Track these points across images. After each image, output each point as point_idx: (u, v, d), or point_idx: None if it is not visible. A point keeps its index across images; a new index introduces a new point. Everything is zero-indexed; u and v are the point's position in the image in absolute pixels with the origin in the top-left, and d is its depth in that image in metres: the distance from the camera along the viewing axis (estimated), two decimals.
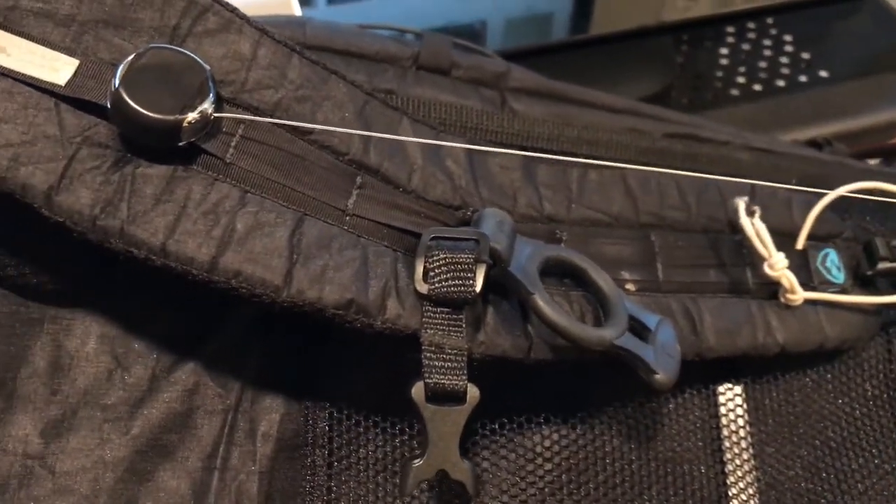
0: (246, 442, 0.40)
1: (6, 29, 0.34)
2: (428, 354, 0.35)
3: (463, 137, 0.44)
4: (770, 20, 0.78)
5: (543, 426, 0.42)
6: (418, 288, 0.36)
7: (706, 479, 0.44)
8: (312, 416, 0.40)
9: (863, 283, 0.49)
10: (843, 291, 0.48)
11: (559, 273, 0.41)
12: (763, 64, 0.74)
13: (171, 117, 0.33)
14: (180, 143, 0.34)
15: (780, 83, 0.73)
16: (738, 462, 0.45)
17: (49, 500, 0.37)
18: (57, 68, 0.34)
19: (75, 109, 0.34)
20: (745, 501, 0.44)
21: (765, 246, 0.45)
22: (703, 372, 0.45)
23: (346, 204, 0.38)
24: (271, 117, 0.37)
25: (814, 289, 0.47)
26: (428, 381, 0.35)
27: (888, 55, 0.76)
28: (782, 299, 0.46)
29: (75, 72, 0.34)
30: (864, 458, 0.47)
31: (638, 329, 0.39)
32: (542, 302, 0.37)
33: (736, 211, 0.46)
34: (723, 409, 0.46)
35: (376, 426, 0.41)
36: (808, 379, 0.48)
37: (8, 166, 0.32)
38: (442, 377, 0.35)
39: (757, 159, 0.52)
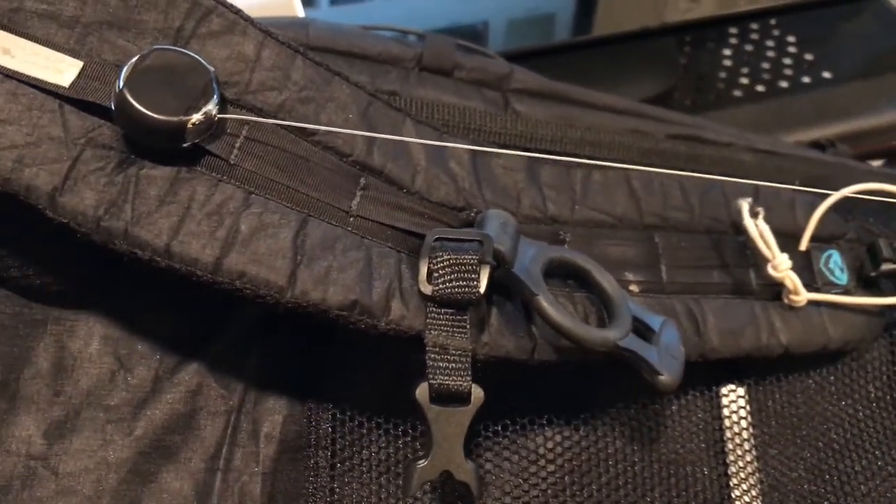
0: (249, 443, 0.40)
1: (10, 30, 0.34)
2: (432, 355, 0.35)
3: (466, 139, 0.44)
4: (773, 21, 0.78)
5: (547, 428, 0.42)
6: (422, 289, 0.36)
7: (709, 480, 0.44)
8: (315, 418, 0.40)
9: (866, 284, 0.49)
10: (847, 293, 0.48)
11: (563, 274, 0.41)
12: (766, 65, 0.74)
13: (175, 119, 0.33)
14: (184, 145, 0.34)
15: (784, 84, 0.73)
16: (741, 464, 0.45)
17: (52, 501, 0.37)
18: (61, 70, 0.34)
19: (79, 111, 0.34)
20: (748, 503, 0.44)
21: (768, 247, 0.45)
22: (706, 373, 0.45)
23: (350, 205, 0.38)
24: (275, 119, 0.37)
25: (817, 290, 0.46)
26: (432, 381, 0.35)
27: (891, 56, 0.76)
28: (786, 300, 0.46)
29: (79, 73, 0.34)
30: (867, 459, 0.47)
31: (642, 330, 0.39)
32: (545, 303, 0.37)
33: (739, 212, 0.46)
34: (726, 411, 0.46)
35: (379, 427, 0.41)
36: (811, 380, 0.48)
37: (12, 168, 0.32)
38: (446, 378, 0.35)
39: (760, 160, 0.52)
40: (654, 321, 0.40)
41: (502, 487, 0.41)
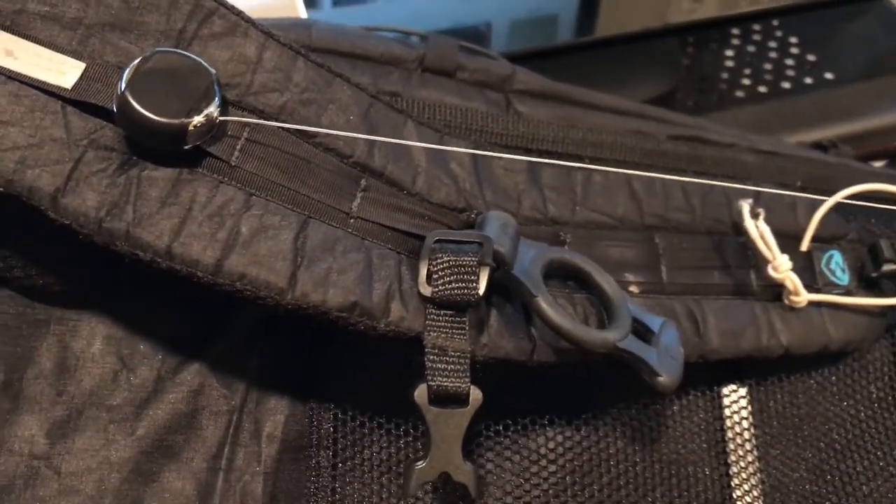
0: (251, 443, 0.40)
1: (14, 32, 0.34)
2: (431, 357, 0.35)
3: (468, 139, 0.44)
4: (775, 22, 0.78)
5: (548, 428, 0.42)
6: (422, 290, 0.36)
7: (710, 480, 0.44)
8: (317, 418, 0.40)
9: (867, 284, 0.49)
10: (848, 293, 0.48)
11: (563, 275, 0.41)
12: (768, 66, 0.74)
13: (176, 121, 0.33)
14: (186, 147, 0.34)
15: (786, 85, 0.73)
16: (742, 464, 0.45)
17: (54, 501, 0.37)
18: (63, 71, 0.34)
19: (81, 112, 0.34)
20: (750, 503, 0.44)
21: (769, 248, 0.45)
22: (707, 374, 0.45)
23: (351, 206, 0.38)
24: (276, 120, 0.37)
25: (818, 291, 0.46)
26: (431, 383, 0.35)
27: (894, 57, 0.76)
28: (786, 301, 0.46)
29: (82, 75, 0.34)
30: (868, 460, 0.47)
31: (641, 331, 0.39)
32: (545, 304, 0.37)
33: (740, 213, 0.46)
34: (727, 412, 0.46)
35: (381, 427, 0.41)
36: (812, 381, 0.48)
37: (15, 169, 0.32)
38: (445, 379, 0.35)
39: (762, 161, 0.52)
40: (654, 322, 0.40)
41: (503, 487, 0.41)
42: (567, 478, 0.42)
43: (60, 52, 0.34)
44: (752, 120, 0.68)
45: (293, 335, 0.40)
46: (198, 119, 0.34)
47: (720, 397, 0.46)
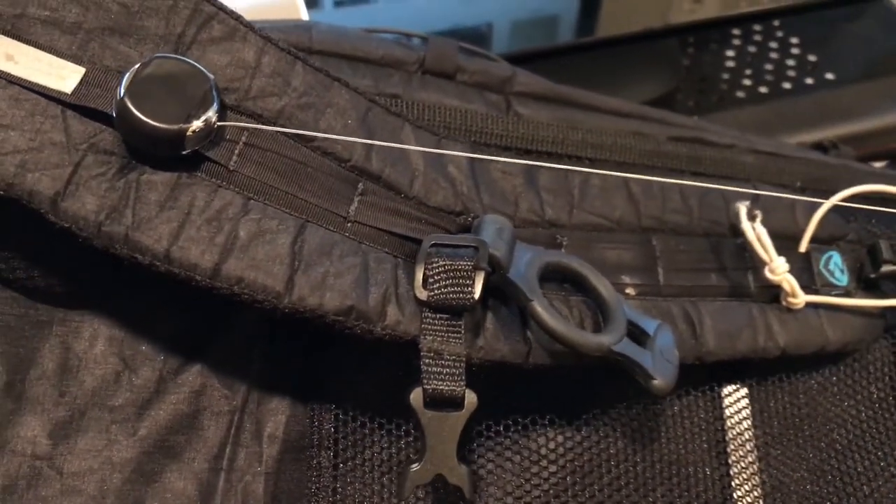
0: (252, 443, 0.40)
1: (14, 37, 0.34)
2: (426, 360, 0.35)
3: (467, 141, 0.44)
4: (776, 23, 0.78)
5: (548, 428, 0.42)
6: (418, 294, 0.36)
7: (711, 481, 0.44)
8: (318, 418, 0.41)
9: (866, 285, 0.49)
10: (847, 294, 0.48)
11: (559, 278, 0.41)
12: (769, 66, 0.74)
13: (175, 126, 0.34)
14: (184, 152, 0.34)
15: (787, 85, 0.73)
16: (743, 464, 0.45)
17: (57, 501, 0.37)
18: (63, 76, 0.34)
19: (81, 116, 0.34)
20: None
21: (765, 250, 0.45)
22: (707, 374, 0.45)
23: (348, 210, 0.38)
24: (275, 125, 0.37)
25: (816, 292, 0.46)
26: (426, 386, 0.35)
27: (894, 58, 0.76)
28: (784, 303, 0.46)
29: (81, 80, 0.34)
30: (869, 460, 0.47)
31: (637, 334, 0.40)
32: (540, 308, 0.37)
33: (737, 215, 0.46)
34: (728, 412, 0.46)
35: (382, 428, 0.41)
36: (813, 381, 0.48)
37: (15, 173, 0.32)
38: (440, 383, 0.35)
39: (762, 162, 0.52)
40: (650, 325, 0.40)
41: (504, 488, 0.41)
42: (568, 478, 0.42)
43: (60, 57, 0.34)
44: (753, 120, 0.68)
45: (295, 335, 0.40)
46: (196, 124, 0.34)
47: (721, 397, 0.46)
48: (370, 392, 0.41)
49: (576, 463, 0.42)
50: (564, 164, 0.45)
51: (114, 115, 0.34)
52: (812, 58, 0.75)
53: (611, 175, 0.45)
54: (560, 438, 0.42)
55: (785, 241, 0.47)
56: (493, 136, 0.46)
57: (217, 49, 0.37)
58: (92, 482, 0.38)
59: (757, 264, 0.46)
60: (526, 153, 0.46)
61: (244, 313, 0.40)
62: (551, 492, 0.41)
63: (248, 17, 0.38)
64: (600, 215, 0.44)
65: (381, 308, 0.36)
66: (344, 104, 0.39)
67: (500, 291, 0.38)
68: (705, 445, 0.45)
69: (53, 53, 0.34)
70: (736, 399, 0.46)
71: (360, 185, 0.38)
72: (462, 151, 0.42)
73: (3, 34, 0.34)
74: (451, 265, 0.36)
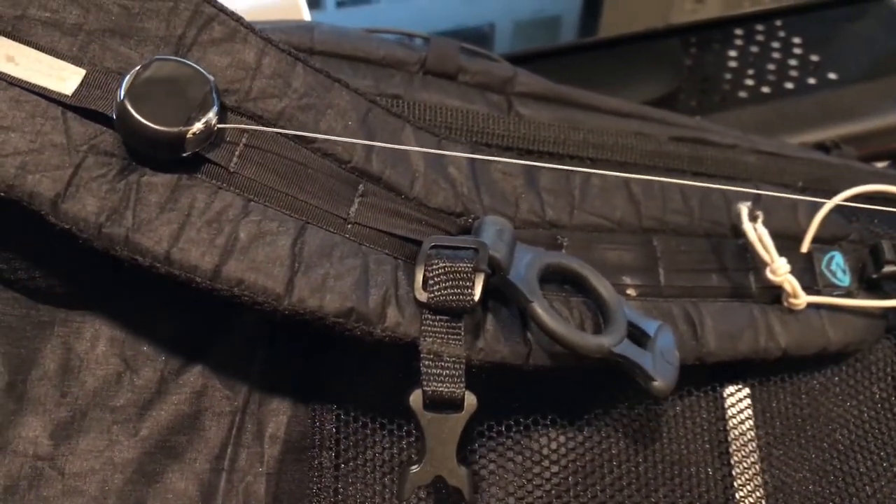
0: (253, 443, 0.40)
1: (15, 38, 0.34)
2: (426, 362, 0.36)
3: (468, 142, 0.44)
4: (778, 22, 0.78)
5: (550, 428, 0.42)
6: (418, 296, 0.36)
7: (713, 481, 0.44)
8: (320, 418, 0.41)
9: (868, 286, 0.49)
10: (849, 294, 0.48)
11: (559, 279, 0.41)
12: (771, 66, 0.74)
13: (175, 129, 0.34)
14: (184, 154, 0.34)
15: (789, 86, 0.72)
16: (745, 465, 0.45)
17: (58, 502, 0.37)
18: (64, 77, 0.34)
19: (82, 118, 0.34)
20: None
21: (767, 251, 0.45)
22: (709, 374, 0.45)
23: (348, 212, 0.38)
24: (275, 126, 0.37)
25: (818, 292, 0.46)
26: (426, 388, 0.36)
27: None
28: (785, 304, 0.46)
29: (82, 81, 0.34)
30: (871, 461, 0.47)
31: (637, 335, 0.39)
32: (540, 310, 0.37)
33: (739, 215, 0.46)
34: (730, 412, 0.46)
35: (383, 428, 0.41)
36: (815, 381, 0.48)
37: (15, 174, 0.32)
38: (439, 385, 0.35)
39: (763, 162, 0.52)
40: (650, 326, 0.40)
41: (506, 488, 0.41)
42: (569, 478, 0.42)
43: (61, 59, 0.34)
44: (755, 120, 0.68)
45: (294, 338, 0.40)
46: (196, 127, 0.34)
47: (722, 398, 0.46)
48: (371, 393, 0.41)
49: (577, 463, 0.42)
50: (566, 165, 0.44)
51: (114, 117, 0.34)
52: (814, 58, 0.75)
53: (611, 175, 0.45)
54: (562, 439, 0.42)
55: (787, 242, 0.47)
56: (495, 137, 0.46)
57: (217, 50, 0.37)
58: (93, 483, 0.38)
59: (758, 265, 0.46)
60: (527, 153, 0.46)
61: (245, 314, 0.40)
62: (553, 492, 0.41)
63: (250, 17, 0.38)
64: (601, 216, 0.44)
65: (381, 310, 0.36)
66: (344, 105, 0.39)
67: (501, 293, 0.38)
68: (707, 446, 0.45)
69: (54, 55, 0.34)
70: (738, 399, 0.46)
71: (361, 187, 0.38)
72: (462, 152, 0.42)
73: (3, 35, 0.34)
74: (451, 267, 0.36)
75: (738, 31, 0.77)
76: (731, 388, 0.46)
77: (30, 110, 0.33)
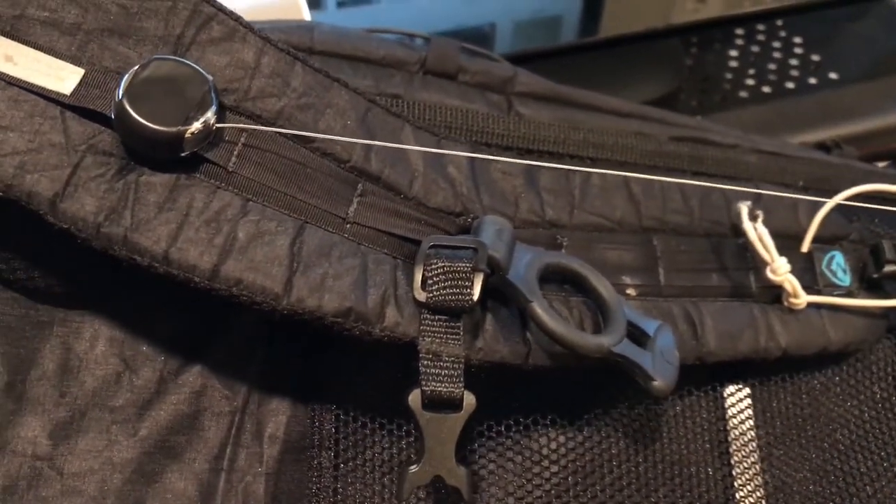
0: (253, 444, 0.40)
1: (13, 37, 0.34)
2: (425, 362, 0.35)
3: (468, 141, 0.44)
4: (779, 22, 0.78)
5: (550, 428, 0.42)
6: (416, 296, 0.36)
7: (713, 481, 0.44)
8: (319, 418, 0.41)
9: (869, 285, 0.49)
10: (849, 294, 0.48)
11: (559, 279, 0.41)
12: (772, 66, 0.74)
13: (173, 129, 0.34)
14: (183, 154, 0.34)
15: (790, 85, 0.72)
16: (745, 464, 0.45)
17: (57, 501, 0.37)
18: (62, 77, 0.34)
19: (80, 118, 0.34)
20: None
21: (767, 251, 0.45)
22: (709, 374, 0.45)
23: (347, 212, 0.38)
24: (274, 125, 0.37)
25: (818, 292, 0.46)
26: (424, 388, 0.35)
27: None
28: (785, 303, 0.45)
29: (80, 81, 0.34)
30: (872, 461, 0.47)
31: (637, 335, 0.39)
32: (539, 310, 0.37)
33: (739, 215, 0.46)
34: (730, 412, 0.45)
35: (383, 428, 0.41)
36: (816, 381, 0.48)
37: (14, 174, 0.32)
38: (438, 385, 0.35)
39: (764, 162, 0.52)
40: (650, 326, 0.40)
41: (505, 488, 0.41)
42: (569, 478, 0.42)
43: (59, 58, 0.34)
44: (756, 120, 0.68)
45: (293, 338, 0.40)
46: (194, 126, 0.34)
47: (723, 398, 0.46)
48: (370, 393, 0.41)
49: (577, 463, 0.42)
50: (566, 164, 0.44)
51: (112, 116, 0.34)
52: (815, 57, 0.75)
53: (611, 174, 0.44)
54: (562, 439, 0.42)
55: (787, 241, 0.46)
56: (495, 136, 0.46)
57: (216, 50, 0.37)
58: (92, 483, 0.38)
59: (758, 264, 0.46)
60: (527, 153, 0.46)
61: (244, 314, 0.40)
62: (553, 492, 0.41)
63: (250, 17, 0.38)
64: (601, 215, 0.44)
65: (379, 309, 0.36)
66: (343, 105, 0.39)
67: (500, 293, 0.38)
68: (707, 446, 0.45)
69: (52, 54, 0.34)
70: (738, 399, 0.46)
71: (360, 186, 0.38)
72: (462, 152, 0.42)
73: (2, 35, 0.34)
74: (450, 266, 0.36)
75: (739, 31, 0.77)
76: (731, 388, 0.46)
77: (28, 110, 0.33)
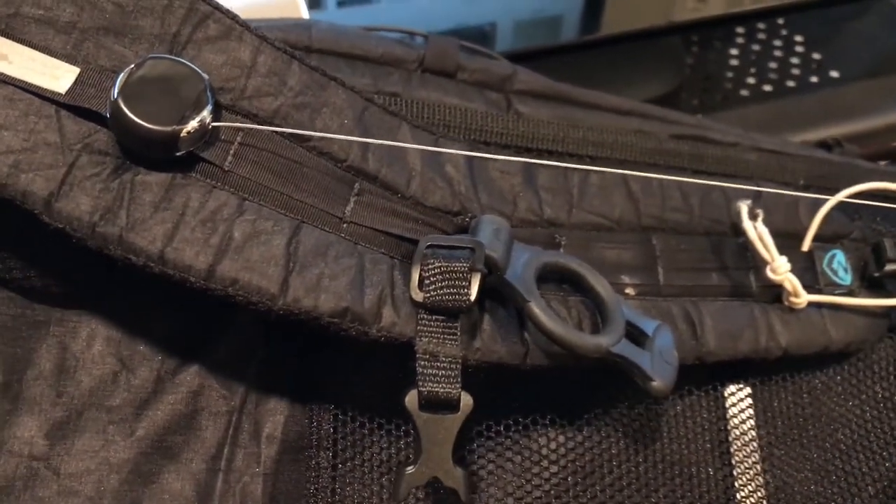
0: (250, 444, 0.40)
1: (8, 36, 0.34)
2: (422, 362, 0.35)
3: (467, 140, 0.44)
4: (780, 21, 0.78)
5: (549, 428, 0.42)
6: (414, 296, 0.36)
7: (714, 481, 0.44)
8: (317, 418, 0.40)
9: (870, 284, 0.49)
10: (850, 293, 0.47)
11: (557, 279, 0.40)
12: (773, 64, 0.74)
13: (168, 128, 0.33)
14: (178, 153, 0.34)
15: (791, 84, 0.73)
16: (746, 464, 0.45)
17: (53, 502, 0.37)
18: (58, 76, 0.34)
19: (76, 117, 0.34)
20: None
21: (767, 250, 0.44)
22: (710, 374, 0.45)
23: (344, 211, 0.38)
24: (270, 124, 0.37)
25: (819, 291, 0.46)
26: (421, 388, 0.35)
27: None
28: (786, 303, 0.45)
29: (76, 80, 0.34)
30: (874, 460, 0.47)
31: (635, 335, 0.39)
32: (537, 309, 0.37)
33: (739, 214, 0.46)
34: (731, 411, 0.45)
35: (381, 428, 0.41)
36: (817, 381, 0.48)
37: (8, 173, 0.32)
38: (435, 385, 0.35)
39: (765, 160, 0.52)
40: (649, 326, 0.40)
41: (504, 488, 0.41)
42: (569, 478, 0.42)
43: (55, 57, 0.34)
44: (757, 119, 0.68)
45: (289, 338, 0.40)
46: (190, 125, 0.34)
47: (723, 397, 0.46)
48: (367, 393, 0.41)
49: (577, 463, 0.42)
50: (565, 163, 0.44)
51: (108, 115, 0.34)
52: (816, 56, 0.75)
53: (610, 173, 0.44)
54: (561, 439, 0.42)
55: (788, 240, 0.46)
56: (494, 135, 0.46)
57: (212, 48, 0.37)
58: (89, 483, 0.38)
59: (758, 263, 0.45)
60: (526, 151, 0.46)
61: (241, 314, 0.40)
62: (552, 492, 0.41)
63: (248, 15, 0.38)
64: (600, 214, 0.44)
65: (376, 310, 0.36)
66: (340, 103, 0.39)
67: (498, 292, 0.38)
68: (708, 445, 0.45)
69: (48, 53, 0.34)
70: (739, 399, 0.46)
71: (357, 186, 0.38)
72: (460, 150, 0.42)
73: None
74: (447, 266, 0.36)
75: (740, 30, 0.77)
76: (731, 388, 0.46)
77: (23, 109, 0.33)
